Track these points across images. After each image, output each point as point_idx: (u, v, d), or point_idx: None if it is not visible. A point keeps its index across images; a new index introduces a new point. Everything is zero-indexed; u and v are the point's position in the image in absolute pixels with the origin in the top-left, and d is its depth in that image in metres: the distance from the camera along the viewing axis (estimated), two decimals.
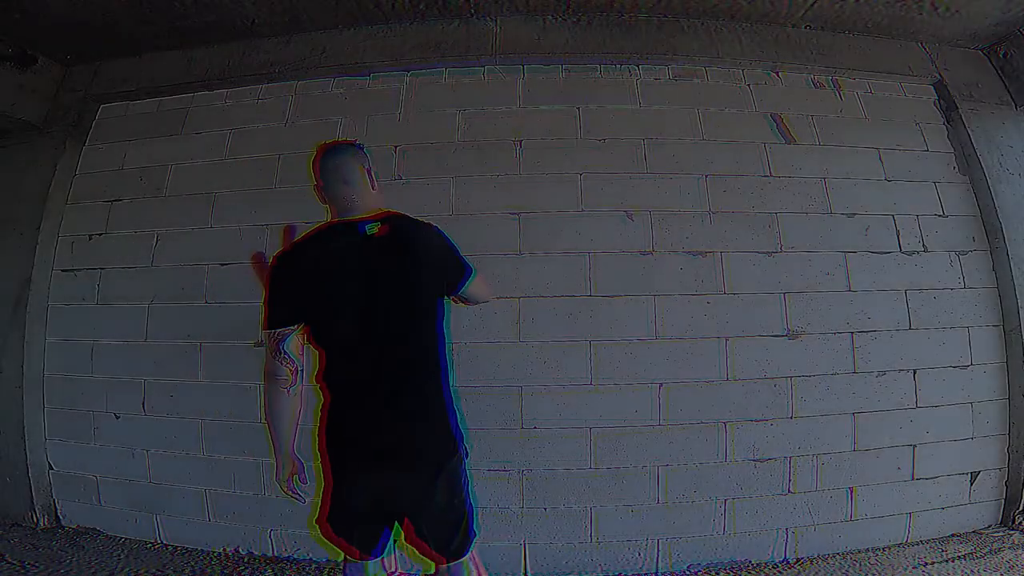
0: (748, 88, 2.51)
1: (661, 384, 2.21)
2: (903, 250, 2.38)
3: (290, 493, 1.42)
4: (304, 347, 1.35)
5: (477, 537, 1.39)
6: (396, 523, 1.36)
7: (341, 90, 2.56)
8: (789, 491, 2.22)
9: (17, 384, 2.47)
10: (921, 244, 2.40)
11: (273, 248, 2.36)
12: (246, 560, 2.26)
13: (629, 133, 2.40)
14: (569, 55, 2.49)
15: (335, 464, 1.33)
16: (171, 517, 2.38)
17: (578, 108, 2.44)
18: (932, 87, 2.62)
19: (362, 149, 1.47)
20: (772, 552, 2.20)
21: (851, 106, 2.54)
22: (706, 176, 2.37)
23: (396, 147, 2.42)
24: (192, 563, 2.23)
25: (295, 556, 2.27)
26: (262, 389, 1.35)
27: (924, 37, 2.62)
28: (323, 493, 1.36)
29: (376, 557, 1.36)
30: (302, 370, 1.34)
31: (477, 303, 1.60)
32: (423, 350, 1.34)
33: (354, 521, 1.34)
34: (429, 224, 1.43)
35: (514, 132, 2.40)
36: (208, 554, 2.30)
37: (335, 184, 1.38)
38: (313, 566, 2.23)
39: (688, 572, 2.15)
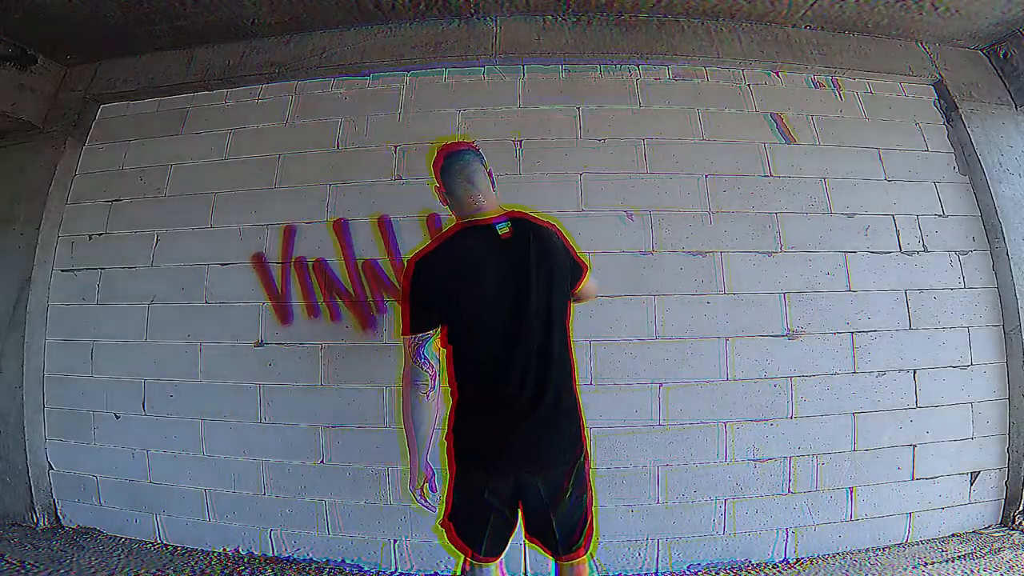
0: (748, 88, 2.51)
1: (661, 384, 2.20)
2: (903, 250, 2.38)
3: (422, 503, 1.42)
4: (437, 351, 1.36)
5: (596, 534, 1.40)
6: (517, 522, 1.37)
7: (341, 90, 2.56)
8: (789, 491, 2.22)
9: (17, 384, 2.47)
10: (921, 244, 2.40)
11: (273, 248, 2.39)
12: (246, 560, 2.26)
13: (629, 133, 2.41)
14: (569, 55, 2.49)
15: (469, 464, 1.34)
16: (171, 517, 2.38)
17: (578, 108, 2.44)
18: (932, 87, 2.62)
19: (479, 151, 1.48)
20: (772, 552, 2.20)
21: (851, 106, 2.54)
22: (706, 176, 2.37)
23: (396, 147, 2.42)
24: (192, 563, 2.23)
25: (295, 556, 2.27)
26: (401, 395, 1.36)
27: (924, 37, 2.63)
28: (450, 494, 1.37)
29: (499, 557, 1.38)
30: (438, 374, 1.35)
31: (585, 300, 1.58)
32: (559, 348, 1.35)
33: (487, 522, 1.34)
34: (551, 224, 1.45)
35: (514, 132, 2.40)
36: (208, 554, 2.30)
37: (461, 185, 1.40)
38: (313, 566, 2.23)
39: (688, 572, 2.15)
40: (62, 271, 2.59)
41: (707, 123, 2.44)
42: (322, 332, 2.32)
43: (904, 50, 2.63)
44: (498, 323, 1.31)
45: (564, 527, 1.34)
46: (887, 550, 2.21)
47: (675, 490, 2.19)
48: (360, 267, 2.33)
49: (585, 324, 2.22)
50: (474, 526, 1.34)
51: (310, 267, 2.36)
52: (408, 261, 1.39)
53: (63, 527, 2.48)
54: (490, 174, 1.45)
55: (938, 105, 2.61)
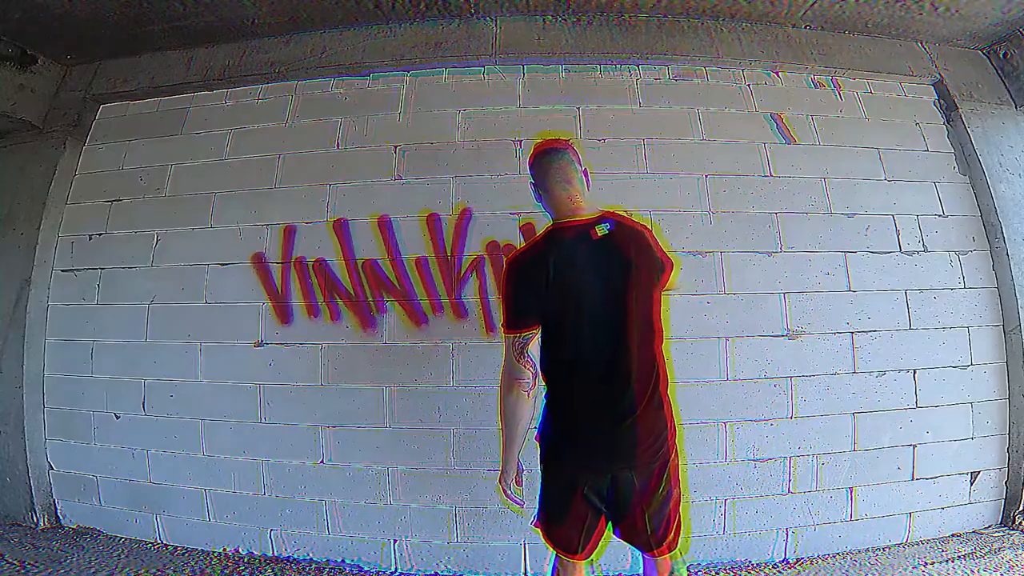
0: (748, 88, 2.51)
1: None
2: (903, 250, 2.38)
3: (511, 498, 1.43)
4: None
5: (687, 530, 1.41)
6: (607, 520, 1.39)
7: (341, 90, 2.56)
8: (789, 491, 2.22)
9: (17, 384, 2.47)
10: (921, 244, 2.40)
11: (273, 248, 2.39)
12: (246, 560, 2.26)
13: (629, 133, 2.41)
14: (569, 55, 2.49)
15: (566, 462, 1.36)
16: (171, 517, 2.38)
17: (578, 108, 2.44)
18: (932, 87, 2.62)
19: (574, 149, 1.48)
20: (772, 552, 2.20)
21: (851, 106, 2.54)
22: (706, 176, 2.37)
23: (396, 147, 2.42)
24: (192, 563, 2.23)
25: (295, 556, 2.27)
26: (499, 393, 1.38)
27: (924, 37, 2.62)
28: (543, 494, 1.39)
29: (591, 557, 1.39)
30: (538, 373, 1.37)
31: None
32: (651, 346, 1.37)
33: (585, 520, 1.35)
34: (642, 225, 1.46)
35: (514, 132, 2.40)
36: (208, 554, 2.30)
37: (558, 184, 1.41)
38: (313, 566, 2.23)
39: (688, 572, 2.15)
40: (62, 271, 2.59)
41: (707, 123, 2.44)
42: (322, 332, 2.32)
43: (904, 50, 2.63)
44: (594, 323, 1.32)
45: (655, 522, 1.35)
46: (887, 550, 2.21)
47: None
48: (360, 267, 2.34)
49: None
50: (573, 524, 1.36)
51: (310, 267, 2.36)
52: (506, 261, 1.42)
53: (63, 527, 2.48)
54: (585, 173, 1.45)
55: (938, 105, 2.61)
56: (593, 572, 1.52)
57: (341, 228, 2.36)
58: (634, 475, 1.32)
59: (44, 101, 2.73)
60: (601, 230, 1.36)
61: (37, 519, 2.44)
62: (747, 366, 2.24)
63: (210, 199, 2.50)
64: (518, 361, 1.34)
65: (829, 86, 2.56)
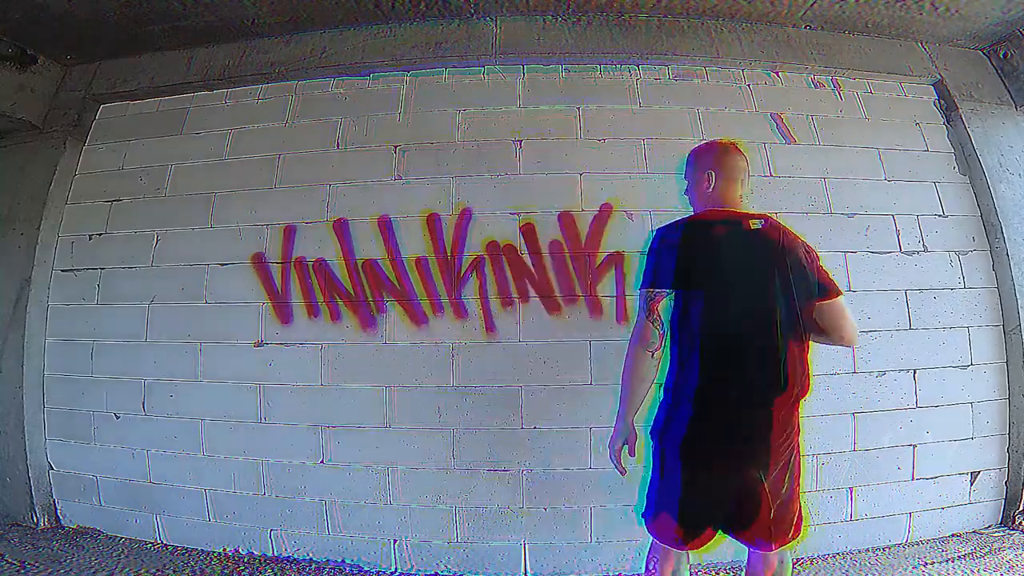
0: (748, 88, 2.51)
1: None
2: (903, 250, 2.38)
3: (615, 464, 1.44)
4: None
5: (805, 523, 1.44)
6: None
7: (341, 90, 2.56)
8: None
9: (17, 384, 2.47)
10: (921, 244, 2.40)
11: (273, 248, 2.39)
12: (246, 560, 2.26)
13: (629, 133, 2.40)
14: (569, 55, 2.49)
15: (698, 456, 1.36)
16: (171, 517, 2.38)
17: (578, 108, 2.44)
18: (932, 87, 2.62)
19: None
20: None
21: (851, 106, 2.54)
22: None
23: (396, 147, 2.42)
24: (192, 563, 2.23)
25: (295, 556, 2.27)
26: (628, 351, 1.42)
27: (924, 37, 2.62)
28: (661, 481, 1.41)
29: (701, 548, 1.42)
30: (666, 336, 1.41)
31: (832, 335, 1.49)
32: (790, 344, 1.37)
33: (708, 520, 1.38)
34: (799, 236, 1.48)
35: (514, 132, 2.40)
36: (208, 554, 2.30)
37: (736, 181, 1.50)
38: (313, 566, 2.23)
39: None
40: (62, 271, 2.59)
41: (707, 123, 2.44)
42: (322, 332, 2.32)
43: (904, 50, 2.63)
44: (737, 308, 1.35)
45: (779, 517, 1.37)
46: (887, 550, 2.21)
47: None
48: (360, 267, 2.34)
49: (585, 323, 2.23)
50: (696, 524, 1.38)
51: (310, 267, 2.36)
52: (657, 230, 1.47)
53: (63, 527, 2.48)
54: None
55: (938, 105, 2.61)
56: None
57: (341, 228, 2.36)
58: (763, 473, 1.33)
59: (44, 101, 2.73)
60: (754, 224, 1.42)
61: (37, 519, 2.44)
62: None
63: (210, 199, 2.50)
64: (648, 319, 1.38)
65: (829, 86, 2.56)
